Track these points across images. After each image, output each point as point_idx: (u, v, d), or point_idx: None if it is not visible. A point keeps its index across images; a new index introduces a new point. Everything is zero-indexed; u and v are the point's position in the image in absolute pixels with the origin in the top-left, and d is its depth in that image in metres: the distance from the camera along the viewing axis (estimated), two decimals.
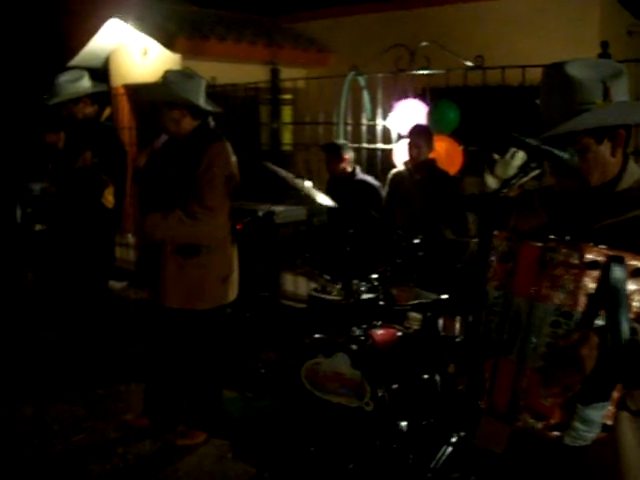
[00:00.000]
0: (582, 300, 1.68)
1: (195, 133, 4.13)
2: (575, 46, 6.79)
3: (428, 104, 6.10)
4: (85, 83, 5.13)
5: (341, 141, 6.31)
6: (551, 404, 1.71)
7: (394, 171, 5.73)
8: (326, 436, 4.01)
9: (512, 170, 4.41)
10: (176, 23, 9.09)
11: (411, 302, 4.10)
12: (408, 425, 3.79)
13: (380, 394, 3.79)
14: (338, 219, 5.57)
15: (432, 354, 4.08)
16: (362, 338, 4.04)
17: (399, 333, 4.13)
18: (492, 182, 3.97)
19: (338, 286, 4.42)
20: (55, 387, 4.90)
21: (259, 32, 9.89)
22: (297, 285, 6.86)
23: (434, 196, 5.26)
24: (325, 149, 6.10)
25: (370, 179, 6.01)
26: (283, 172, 4.75)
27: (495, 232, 1.85)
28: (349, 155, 5.94)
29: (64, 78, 5.04)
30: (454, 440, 3.79)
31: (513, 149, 4.57)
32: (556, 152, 1.82)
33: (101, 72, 10.28)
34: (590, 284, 1.67)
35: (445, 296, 4.00)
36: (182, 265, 4.11)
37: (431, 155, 5.49)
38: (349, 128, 7.01)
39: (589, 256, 1.68)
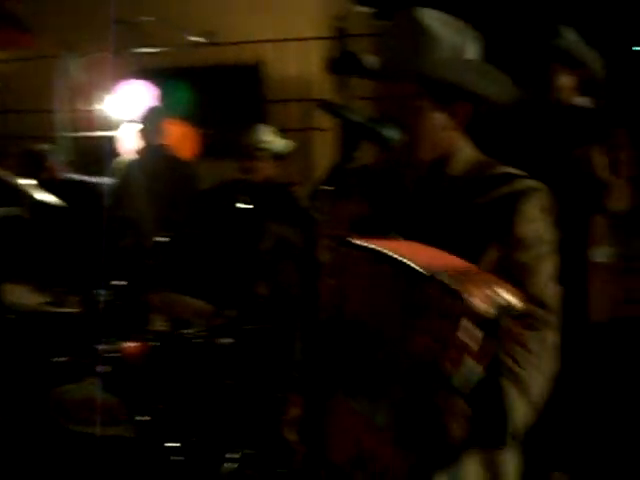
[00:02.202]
0: (456, 353, 1.28)
1: None
2: (305, 21, 6.67)
3: (155, 86, 5.61)
4: None
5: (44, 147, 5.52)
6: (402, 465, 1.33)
7: (121, 160, 5.16)
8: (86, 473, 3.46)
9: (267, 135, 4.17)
10: None
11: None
12: (180, 448, 3.35)
13: (141, 418, 3.32)
14: (64, 221, 4.89)
15: (199, 363, 3.66)
16: (112, 355, 3.54)
17: (153, 343, 3.66)
18: None
19: (76, 298, 3.85)
20: None
21: None
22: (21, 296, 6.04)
23: (170, 185, 4.81)
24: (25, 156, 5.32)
25: (83, 177, 5.38)
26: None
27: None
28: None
29: None
30: (237, 456, 3.42)
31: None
32: (381, 130, 1.51)
33: None
34: (469, 338, 1.27)
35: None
36: None
37: (164, 141, 5.04)
38: (64, 115, 6.28)
39: (476, 306, 1.27)
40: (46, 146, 5.39)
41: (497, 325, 1.27)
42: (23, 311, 5.74)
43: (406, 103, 1.60)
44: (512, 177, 1.63)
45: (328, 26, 5.19)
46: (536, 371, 1.52)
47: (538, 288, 1.56)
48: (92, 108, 6.11)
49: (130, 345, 3.61)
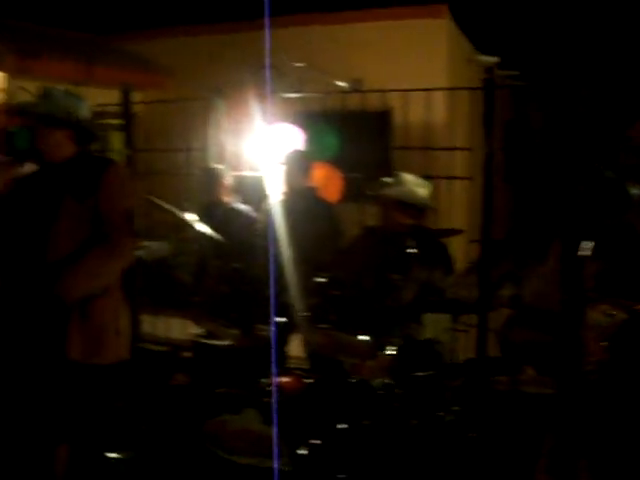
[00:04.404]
0: None
1: (80, 157, 3.48)
2: (427, 72, 6.80)
3: (301, 129, 5.79)
4: None
5: (221, 166, 5.84)
6: None
7: (273, 200, 5.33)
8: None
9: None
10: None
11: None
12: None
13: (300, 452, 3.40)
14: (219, 254, 5.07)
15: (345, 401, 3.73)
16: (270, 389, 3.65)
17: (309, 380, 3.77)
18: None
19: (234, 331, 3.98)
20: None
21: (95, 51, 9.17)
22: (158, 327, 6.28)
23: (317, 227, 4.94)
24: (206, 173, 5.67)
25: (245, 208, 5.59)
26: (167, 205, 4.24)
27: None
28: (228, 181, 5.55)
29: None
30: None
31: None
32: (629, 188, 1.55)
33: None
34: None
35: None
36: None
37: (310, 183, 5.19)
38: (208, 154, 6.55)
39: None
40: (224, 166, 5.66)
41: None
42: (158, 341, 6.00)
43: None
44: None
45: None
46: None
47: None
48: (240, 148, 6.35)
49: (287, 381, 3.72)
